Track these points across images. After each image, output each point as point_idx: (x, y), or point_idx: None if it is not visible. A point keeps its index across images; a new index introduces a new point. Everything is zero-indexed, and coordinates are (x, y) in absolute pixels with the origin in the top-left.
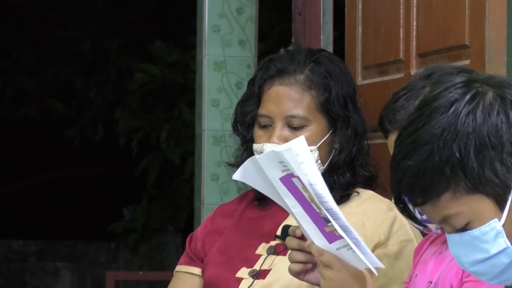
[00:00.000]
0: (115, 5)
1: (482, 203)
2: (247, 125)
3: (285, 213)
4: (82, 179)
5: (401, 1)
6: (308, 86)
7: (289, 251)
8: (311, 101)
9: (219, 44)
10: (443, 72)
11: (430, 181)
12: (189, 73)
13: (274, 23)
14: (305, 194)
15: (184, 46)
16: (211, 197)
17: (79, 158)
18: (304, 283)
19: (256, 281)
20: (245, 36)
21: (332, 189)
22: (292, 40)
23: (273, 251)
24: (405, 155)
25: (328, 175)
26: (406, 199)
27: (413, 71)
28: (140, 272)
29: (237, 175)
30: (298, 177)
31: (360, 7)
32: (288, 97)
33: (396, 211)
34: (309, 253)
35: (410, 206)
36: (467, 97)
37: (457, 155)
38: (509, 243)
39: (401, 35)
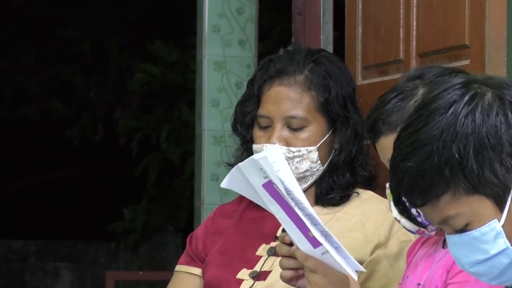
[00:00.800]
0: (115, 5)
1: (481, 204)
2: (247, 125)
3: None
4: (82, 179)
5: (401, 1)
6: (307, 87)
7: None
8: (310, 101)
9: (219, 44)
10: (435, 72)
11: (429, 182)
12: (189, 73)
13: (274, 23)
14: (287, 200)
15: (184, 46)
16: (211, 197)
17: (79, 158)
18: None
19: (256, 282)
20: (245, 36)
21: (332, 189)
22: (292, 40)
23: (274, 252)
24: (405, 156)
25: (328, 175)
26: (406, 200)
27: None
28: (140, 272)
29: (224, 183)
30: (275, 184)
31: (360, 7)
32: (288, 97)
33: None
34: None
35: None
36: (466, 98)
37: (457, 156)
38: (508, 244)
39: (401, 35)
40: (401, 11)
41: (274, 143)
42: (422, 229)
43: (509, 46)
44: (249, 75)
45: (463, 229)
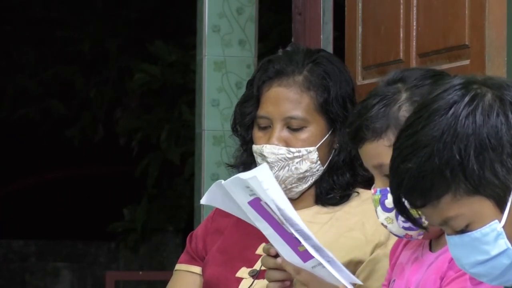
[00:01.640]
0: (115, 5)
1: (482, 205)
2: (247, 126)
3: None
4: (82, 179)
5: (401, 1)
6: (306, 87)
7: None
8: (310, 102)
9: (219, 44)
10: (416, 76)
11: (430, 183)
12: (189, 73)
13: (274, 23)
14: (275, 216)
15: (184, 46)
16: None
17: (79, 158)
18: None
19: (256, 281)
20: (245, 36)
21: (332, 189)
22: (292, 40)
23: None
24: (405, 157)
25: (328, 175)
26: (406, 201)
27: None
28: (140, 272)
29: (204, 200)
30: (265, 203)
31: (360, 7)
32: (287, 98)
33: None
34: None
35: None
36: (466, 99)
37: (457, 157)
38: (509, 245)
39: (401, 35)
40: (401, 11)
41: (274, 144)
42: (409, 233)
43: (509, 46)
44: (249, 75)
45: (464, 230)
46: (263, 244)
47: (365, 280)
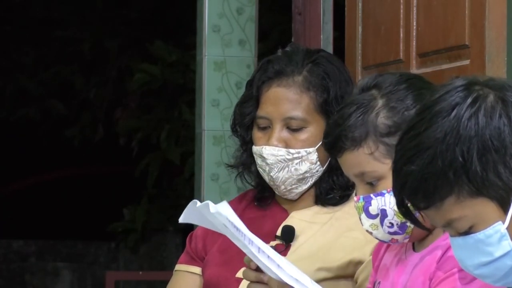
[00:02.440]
0: (115, 5)
1: (485, 206)
2: (246, 126)
3: (285, 213)
4: (82, 179)
5: (401, 1)
6: (306, 87)
7: (289, 251)
8: (309, 102)
9: (219, 44)
10: (391, 81)
11: (433, 185)
12: (189, 73)
13: (274, 23)
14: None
15: (184, 46)
16: (211, 197)
17: (79, 158)
18: None
19: None
20: (245, 36)
21: (331, 189)
22: (292, 40)
23: None
24: (408, 160)
25: (328, 176)
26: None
27: (413, 71)
28: (140, 272)
29: (182, 218)
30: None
31: (360, 7)
32: (287, 98)
33: None
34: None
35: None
36: (469, 100)
37: (460, 159)
38: None
39: (401, 35)
40: (401, 11)
41: (273, 144)
42: (395, 237)
43: (509, 46)
44: (249, 75)
45: (467, 232)
46: None
47: (364, 281)
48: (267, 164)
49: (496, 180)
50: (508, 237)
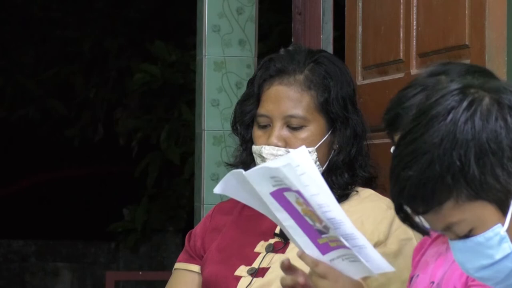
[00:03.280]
0: (115, 5)
1: (484, 209)
2: (246, 125)
3: None
4: (82, 179)
5: (401, 1)
6: (307, 86)
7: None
8: (310, 101)
9: (219, 44)
10: (459, 70)
11: (431, 190)
12: (189, 73)
13: (274, 23)
14: (298, 208)
15: (184, 46)
16: (211, 197)
17: (79, 158)
18: None
19: (254, 279)
20: (245, 36)
21: (331, 189)
22: (292, 40)
23: (272, 249)
24: (405, 165)
25: (327, 175)
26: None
27: (413, 71)
28: (140, 272)
29: (217, 189)
30: (296, 191)
31: (360, 7)
32: (287, 97)
33: None
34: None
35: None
36: (464, 104)
37: (458, 163)
38: None
39: (401, 35)
40: (401, 11)
41: (273, 143)
42: None
43: (509, 46)
44: (249, 75)
45: (467, 235)
46: (261, 242)
47: (364, 279)
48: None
49: (494, 183)
50: (508, 239)
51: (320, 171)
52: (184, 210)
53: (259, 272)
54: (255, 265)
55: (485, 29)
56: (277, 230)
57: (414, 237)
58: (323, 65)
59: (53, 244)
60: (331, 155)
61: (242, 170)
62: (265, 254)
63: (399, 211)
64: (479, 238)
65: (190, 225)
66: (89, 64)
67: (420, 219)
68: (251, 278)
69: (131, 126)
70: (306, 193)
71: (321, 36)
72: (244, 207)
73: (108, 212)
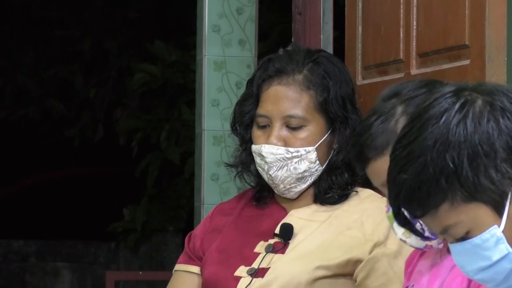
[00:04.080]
0: (115, 5)
1: (480, 211)
2: (246, 125)
3: (283, 212)
4: (82, 179)
5: (401, 1)
6: (306, 86)
7: (288, 248)
8: (309, 101)
9: (219, 44)
10: (410, 88)
11: (426, 193)
12: (189, 73)
13: (274, 23)
14: None
15: (184, 46)
16: (211, 197)
17: (79, 158)
18: (303, 282)
19: (254, 279)
20: (245, 36)
21: (330, 188)
22: (292, 40)
23: (272, 249)
24: (400, 169)
25: (327, 175)
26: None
27: (413, 71)
28: (140, 272)
29: None
30: None
31: (360, 7)
32: (287, 97)
33: None
34: None
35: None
36: (457, 106)
37: (451, 165)
38: (510, 249)
39: (401, 35)
40: (401, 11)
41: (273, 143)
42: (429, 243)
43: (509, 46)
44: (249, 75)
45: (464, 237)
46: (261, 242)
47: (364, 279)
48: (266, 162)
49: (488, 185)
50: (505, 240)
51: (320, 171)
52: (184, 210)
53: (258, 273)
54: (255, 265)
55: (485, 29)
56: (277, 231)
57: None
58: (322, 65)
59: (53, 244)
60: (330, 155)
61: None
62: (265, 255)
63: (398, 215)
64: (476, 240)
65: (190, 225)
66: (89, 64)
67: (420, 223)
68: (251, 278)
69: (131, 126)
70: None
71: (321, 36)
72: (244, 207)
73: (108, 212)
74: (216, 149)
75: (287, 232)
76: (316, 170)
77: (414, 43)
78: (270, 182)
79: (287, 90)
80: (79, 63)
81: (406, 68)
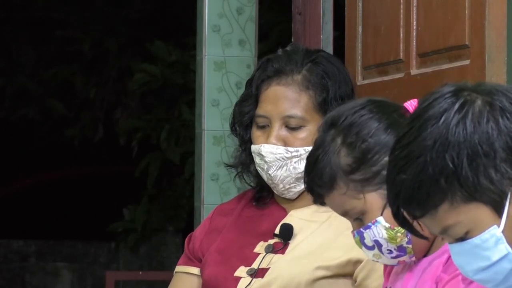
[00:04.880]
0: (115, 5)
1: (479, 211)
2: (245, 125)
3: (283, 212)
4: (82, 179)
5: (401, 1)
6: (305, 86)
7: (288, 249)
8: (308, 101)
9: (219, 44)
10: (345, 116)
11: (426, 193)
12: (189, 73)
13: (274, 23)
14: None
15: (184, 46)
16: (211, 197)
17: (79, 158)
18: (303, 282)
19: (254, 279)
20: (245, 36)
21: None
22: (292, 40)
23: (272, 249)
24: (400, 169)
25: None
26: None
27: (413, 71)
28: (140, 272)
29: None
30: None
31: (360, 7)
32: (286, 97)
33: None
34: None
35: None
36: (456, 106)
37: (451, 165)
38: (510, 249)
39: (401, 35)
40: (401, 11)
41: (272, 143)
42: (401, 259)
43: (509, 46)
44: (249, 75)
45: (464, 238)
46: (261, 242)
47: (364, 280)
48: (265, 162)
49: (488, 185)
50: (504, 241)
51: None
52: (184, 210)
53: (258, 273)
54: (255, 265)
55: (485, 29)
56: (276, 231)
57: None
58: (321, 65)
59: (53, 244)
60: None
61: None
62: (265, 255)
63: (397, 215)
64: (476, 240)
65: (190, 225)
66: (89, 64)
67: (419, 224)
68: (251, 278)
69: (131, 126)
70: None
71: (321, 36)
72: (244, 208)
73: (108, 212)
74: (216, 149)
75: (287, 233)
76: None
77: (414, 43)
78: (269, 182)
79: (286, 90)
80: (79, 63)
81: (406, 68)
